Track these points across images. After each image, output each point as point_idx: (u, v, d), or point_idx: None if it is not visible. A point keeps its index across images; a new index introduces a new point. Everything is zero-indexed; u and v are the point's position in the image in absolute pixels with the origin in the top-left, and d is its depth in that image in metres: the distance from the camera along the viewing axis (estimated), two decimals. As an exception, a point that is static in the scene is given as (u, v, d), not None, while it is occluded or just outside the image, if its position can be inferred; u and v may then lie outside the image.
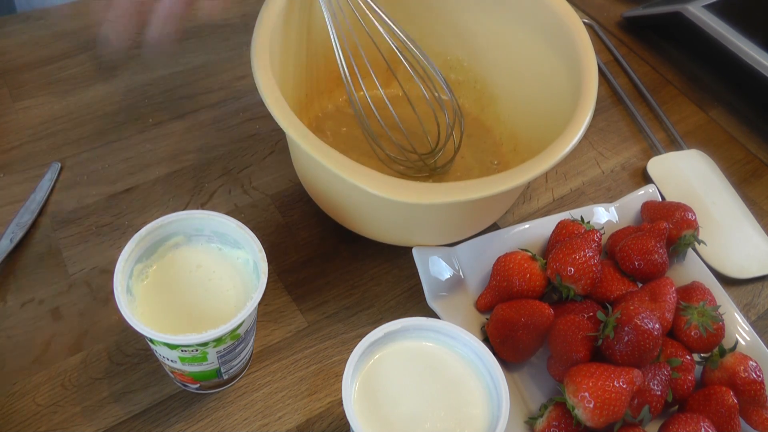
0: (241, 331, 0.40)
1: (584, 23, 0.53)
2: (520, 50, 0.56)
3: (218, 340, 0.38)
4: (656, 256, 0.49)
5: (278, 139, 0.60)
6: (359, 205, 0.48)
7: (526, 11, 0.54)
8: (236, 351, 0.42)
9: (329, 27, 0.50)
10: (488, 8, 0.57)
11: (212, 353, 0.39)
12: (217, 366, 0.41)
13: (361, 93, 0.53)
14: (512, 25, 0.56)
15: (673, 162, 0.64)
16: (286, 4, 0.50)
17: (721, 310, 0.48)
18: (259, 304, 0.50)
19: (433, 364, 0.40)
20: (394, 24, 0.52)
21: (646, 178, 0.63)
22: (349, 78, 0.51)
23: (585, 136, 0.66)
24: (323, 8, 0.50)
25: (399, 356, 0.40)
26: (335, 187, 0.47)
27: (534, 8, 0.54)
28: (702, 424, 0.42)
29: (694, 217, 0.53)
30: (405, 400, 0.38)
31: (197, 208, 0.55)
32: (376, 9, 0.51)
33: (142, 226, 0.52)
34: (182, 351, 0.38)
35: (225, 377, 0.44)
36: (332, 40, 0.50)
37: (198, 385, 0.43)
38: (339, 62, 0.50)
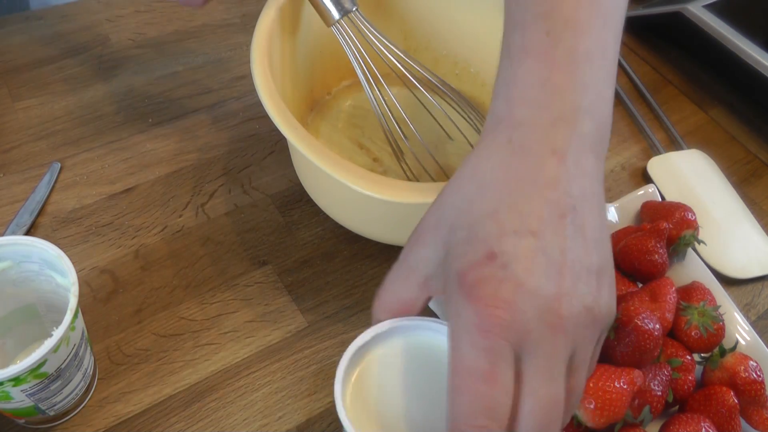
0: (47, 369, 0.37)
1: (584, 23, 0.53)
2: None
3: (16, 380, 0.36)
4: (656, 256, 0.49)
5: (278, 139, 0.60)
6: (358, 205, 0.48)
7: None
8: (52, 389, 0.39)
9: (345, 48, 0.51)
10: (492, 9, 0.57)
11: (15, 392, 0.37)
12: (32, 404, 0.39)
13: (382, 93, 0.53)
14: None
15: (673, 162, 0.64)
16: (286, 4, 0.50)
17: (721, 310, 0.48)
18: (260, 304, 0.50)
19: (429, 364, 0.39)
20: (403, 54, 0.53)
21: (646, 178, 0.63)
22: (369, 78, 0.51)
23: (585, 136, 0.66)
24: (337, 35, 0.50)
25: (392, 357, 0.39)
26: (334, 188, 0.47)
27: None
28: (702, 424, 0.42)
29: (694, 217, 0.53)
30: (401, 403, 0.37)
31: (197, 209, 0.55)
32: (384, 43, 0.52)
33: (142, 227, 0.53)
34: None
35: (51, 413, 0.41)
36: (349, 56, 0.51)
37: (23, 420, 0.42)
38: (357, 68, 0.51)
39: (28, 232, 0.51)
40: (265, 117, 0.44)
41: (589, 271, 0.30)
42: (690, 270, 0.54)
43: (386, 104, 0.52)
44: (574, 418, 0.41)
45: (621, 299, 0.48)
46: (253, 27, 0.48)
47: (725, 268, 0.56)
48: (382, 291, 0.36)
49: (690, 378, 0.46)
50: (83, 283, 0.49)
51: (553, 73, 0.31)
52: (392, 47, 0.52)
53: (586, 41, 0.32)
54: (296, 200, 0.56)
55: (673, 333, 0.48)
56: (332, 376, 0.47)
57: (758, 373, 0.45)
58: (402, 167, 0.55)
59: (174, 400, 0.45)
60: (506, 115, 0.32)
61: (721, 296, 0.52)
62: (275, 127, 0.43)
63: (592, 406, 0.40)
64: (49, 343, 0.36)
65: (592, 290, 0.30)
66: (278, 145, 0.60)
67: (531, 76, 0.32)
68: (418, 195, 0.41)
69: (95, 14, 0.68)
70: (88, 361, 0.42)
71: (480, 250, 0.30)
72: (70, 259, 0.39)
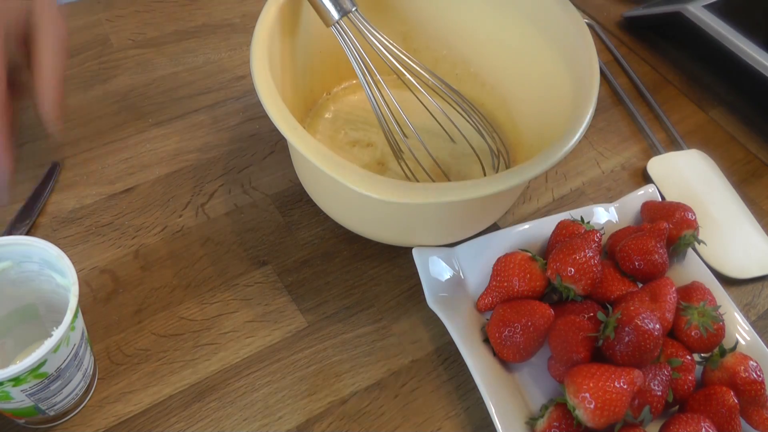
0: (47, 369, 0.37)
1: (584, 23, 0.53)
2: (523, 51, 0.56)
3: (16, 380, 0.36)
4: (656, 256, 0.49)
5: (278, 139, 0.60)
6: (358, 205, 0.48)
7: (529, 11, 0.54)
8: (52, 389, 0.39)
9: (347, 52, 0.51)
10: (492, 9, 0.57)
11: (15, 392, 0.37)
12: (32, 404, 0.39)
13: (383, 93, 0.53)
14: (515, 25, 0.56)
15: (673, 162, 0.64)
16: (286, 4, 0.50)
17: (721, 310, 0.48)
18: (260, 304, 0.50)
19: None
20: (403, 54, 0.53)
21: (646, 178, 0.63)
22: (369, 79, 0.51)
23: (585, 136, 0.66)
24: (337, 37, 0.51)
25: None
26: (333, 188, 0.47)
27: (537, 8, 0.54)
28: (702, 424, 0.42)
29: (694, 217, 0.53)
30: None
31: (197, 209, 0.55)
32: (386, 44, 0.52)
33: (142, 227, 0.53)
34: None
35: (51, 413, 0.41)
36: (348, 56, 0.51)
37: (23, 420, 0.42)
38: (356, 67, 0.51)
39: (28, 232, 0.51)
40: (265, 117, 0.44)
41: None
42: (690, 270, 0.54)
43: (386, 104, 0.52)
44: (574, 418, 0.41)
45: (621, 299, 0.48)
46: (253, 27, 0.48)
47: (725, 268, 0.56)
48: None
49: (690, 378, 0.46)
50: (83, 283, 0.49)
51: None
52: (392, 47, 0.52)
53: None
54: (296, 200, 0.56)
55: (673, 333, 0.48)
56: (332, 376, 0.47)
57: (758, 373, 0.45)
58: (401, 167, 0.55)
59: (174, 400, 0.45)
60: None
61: (721, 296, 0.52)
62: (275, 127, 0.43)
63: (592, 406, 0.40)
64: (49, 343, 0.36)
65: None
66: (278, 145, 0.60)
67: None
68: (417, 195, 0.41)
69: (95, 14, 0.68)
70: (88, 361, 0.42)
71: None
72: (70, 259, 0.39)
